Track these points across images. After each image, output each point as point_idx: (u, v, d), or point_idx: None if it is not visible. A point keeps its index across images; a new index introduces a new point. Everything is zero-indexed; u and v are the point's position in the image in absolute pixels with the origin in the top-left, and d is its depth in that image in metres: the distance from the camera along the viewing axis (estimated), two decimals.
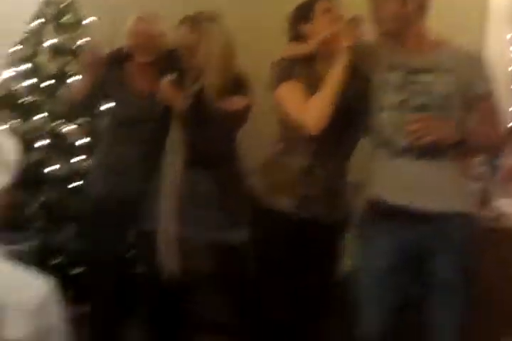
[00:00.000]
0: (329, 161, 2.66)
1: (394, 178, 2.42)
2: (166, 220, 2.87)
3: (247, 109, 2.90)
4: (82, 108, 3.19)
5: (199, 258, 3.02)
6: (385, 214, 2.42)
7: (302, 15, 2.66)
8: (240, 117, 2.91)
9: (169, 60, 3.01)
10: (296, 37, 2.68)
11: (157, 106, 2.96)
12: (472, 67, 2.41)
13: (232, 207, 2.92)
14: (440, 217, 2.36)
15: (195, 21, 2.94)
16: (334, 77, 2.50)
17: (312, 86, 2.56)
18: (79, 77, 3.38)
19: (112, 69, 3.05)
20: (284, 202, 2.64)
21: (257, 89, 2.94)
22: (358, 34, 2.56)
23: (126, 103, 3.06)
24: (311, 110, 2.51)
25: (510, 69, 3.66)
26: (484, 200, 3.29)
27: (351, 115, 2.59)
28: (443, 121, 2.36)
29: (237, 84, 2.94)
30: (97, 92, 3.04)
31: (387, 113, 2.46)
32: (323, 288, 2.75)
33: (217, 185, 2.93)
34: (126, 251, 3.22)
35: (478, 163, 3.59)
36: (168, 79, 2.90)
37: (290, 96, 2.59)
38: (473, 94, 2.39)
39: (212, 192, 2.92)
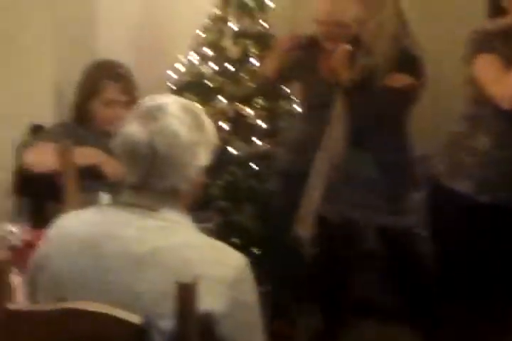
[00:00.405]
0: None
1: None
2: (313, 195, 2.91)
3: (414, 88, 2.80)
4: (272, 87, 3.23)
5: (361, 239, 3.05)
6: None
7: None
8: (405, 96, 2.82)
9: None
10: (496, 12, 2.57)
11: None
12: None
13: (392, 193, 2.90)
14: None
15: None
16: None
17: (510, 61, 2.46)
18: (261, 60, 3.44)
19: (305, 54, 3.12)
20: (464, 185, 2.56)
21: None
22: None
23: (317, 87, 3.08)
24: (510, 84, 2.40)
25: None
26: None
27: None
28: None
29: (406, 60, 2.87)
30: (287, 74, 3.13)
31: None
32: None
33: (378, 169, 2.90)
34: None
35: None
36: (344, 47, 2.87)
37: (488, 68, 2.51)
38: None
39: (370, 175, 2.90)
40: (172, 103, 1.53)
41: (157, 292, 1.41)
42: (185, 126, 1.49)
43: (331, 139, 2.93)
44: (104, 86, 2.59)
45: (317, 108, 3.09)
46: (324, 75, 3.05)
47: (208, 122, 1.56)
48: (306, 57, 3.14)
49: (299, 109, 3.46)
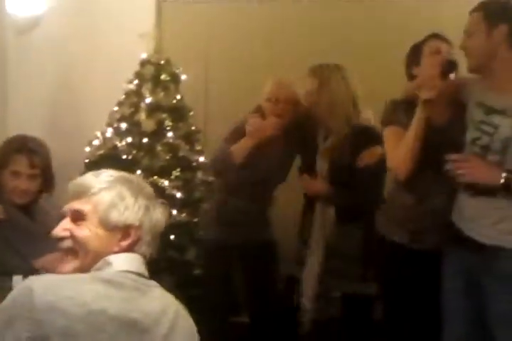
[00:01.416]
0: (436, 196, 2.70)
1: (461, 210, 2.51)
2: (313, 269, 3.07)
3: (384, 158, 2.92)
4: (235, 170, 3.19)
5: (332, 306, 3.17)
6: (456, 239, 2.52)
7: (414, 57, 2.75)
8: (380, 167, 2.96)
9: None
10: (411, 79, 2.75)
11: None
12: None
13: (368, 260, 3.04)
14: (494, 250, 2.39)
15: (317, 71, 3.07)
16: (413, 127, 2.59)
17: None
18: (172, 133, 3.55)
19: None
20: (399, 236, 2.75)
21: None
22: (449, 82, 2.57)
23: (259, 167, 3.17)
24: (397, 157, 2.64)
25: None
26: None
27: (455, 148, 2.61)
28: (486, 163, 2.39)
29: (367, 134, 3.04)
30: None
31: (466, 149, 2.51)
32: None
33: (361, 239, 3.07)
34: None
35: None
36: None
37: (390, 141, 2.73)
38: None
39: (357, 245, 3.06)
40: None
41: None
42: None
43: (321, 217, 3.09)
44: (12, 158, 2.61)
45: (251, 184, 3.18)
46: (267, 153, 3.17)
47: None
48: None
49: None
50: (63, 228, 1.60)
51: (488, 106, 2.45)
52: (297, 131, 3.17)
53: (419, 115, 2.58)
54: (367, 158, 3.02)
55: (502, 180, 2.32)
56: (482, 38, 2.43)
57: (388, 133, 2.76)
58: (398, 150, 2.64)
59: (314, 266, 3.07)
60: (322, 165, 3.09)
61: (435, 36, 2.73)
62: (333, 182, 3.05)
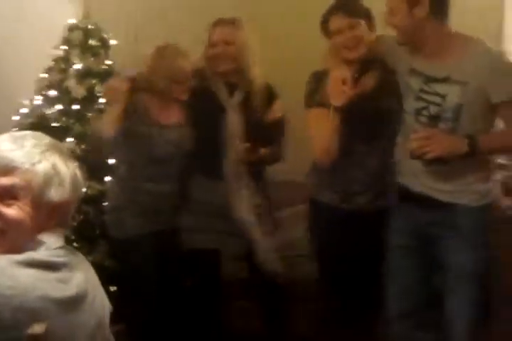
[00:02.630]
0: (366, 159, 2.76)
1: (412, 170, 2.54)
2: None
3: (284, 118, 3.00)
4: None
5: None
6: (405, 198, 2.59)
7: (324, 30, 2.76)
8: (283, 124, 3.01)
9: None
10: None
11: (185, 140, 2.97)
12: (491, 76, 2.34)
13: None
14: (448, 207, 2.47)
15: (228, 22, 3.00)
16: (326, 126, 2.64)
17: None
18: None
19: (136, 99, 2.91)
20: (329, 197, 2.81)
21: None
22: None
23: (154, 138, 2.94)
24: (318, 146, 2.70)
25: None
26: (507, 190, 3.30)
27: (383, 112, 2.68)
28: (447, 135, 2.41)
29: (271, 92, 3.06)
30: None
31: (408, 117, 2.54)
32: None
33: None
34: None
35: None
36: None
37: (311, 126, 2.75)
38: (493, 103, 2.38)
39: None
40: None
41: None
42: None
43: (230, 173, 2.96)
44: None
45: (156, 161, 2.95)
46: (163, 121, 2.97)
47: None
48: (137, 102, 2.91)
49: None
50: None
51: (426, 74, 2.46)
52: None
53: (332, 120, 2.61)
54: (275, 112, 3.04)
55: (466, 148, 2.35)
56: (405, 17, 2.42)
57: (311, 117, 2.74)
58: (319, 139, 2.67)
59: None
60: (235, 122, 2.96)
61: (337, 10, 2.72)
62: (250, 140, 2.91)
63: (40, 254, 1.47)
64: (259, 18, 3.45)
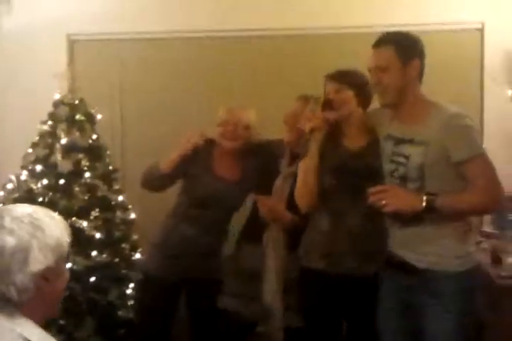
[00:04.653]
0: (352, 219, 2.75)
1: (392, 234, 2.59)
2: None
3: None
4: (164, 181, 3.14)
5: None
6: (388, 262, 2.61)
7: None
8: None
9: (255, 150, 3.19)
10: None
11: (234, 192, 3.12)
12: (450, 137, 2.40)
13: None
14: (427, 273, 2.47)
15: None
16: (304, 163, 2.76)
17: None
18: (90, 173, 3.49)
19: (201, 152, 3.14)
20: (315, 262, 2.79)
21: None
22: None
23: (206, 184, 3.13)
24: (297, 192, 2.77)
25: None
26: (495, 258, 3.28)
27: (369, 172, 2.70)
28: (404, 190, 2.47)
29: None
30: (180, 170, 3.11)
31: (386, 180, 2.60)
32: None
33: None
34: None
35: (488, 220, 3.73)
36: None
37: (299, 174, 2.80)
38: (454, 162, 2.42)
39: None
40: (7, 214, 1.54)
41: None
42: (13, 236, 1.51)
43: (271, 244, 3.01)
44: None
45: (199, 206, 3.12)
46: (219, 173, 3.16)
47: (50, 226, 1.57)
48: (201, 154, 3.16)
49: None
50: None
51: (396, 137, 2.55)
52: (255, 155, 3.20)
53: (311, 148, 2.72)
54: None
55: (424, 203, 2.38)
56: (397, 74, 2.48)
57: (300, 166, 2.82)
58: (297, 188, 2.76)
59: (276, 302, 2.99)
60: (284, 189, 3.04)
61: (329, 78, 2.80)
62: (289, 208, 2.96)
63: None
64: None
